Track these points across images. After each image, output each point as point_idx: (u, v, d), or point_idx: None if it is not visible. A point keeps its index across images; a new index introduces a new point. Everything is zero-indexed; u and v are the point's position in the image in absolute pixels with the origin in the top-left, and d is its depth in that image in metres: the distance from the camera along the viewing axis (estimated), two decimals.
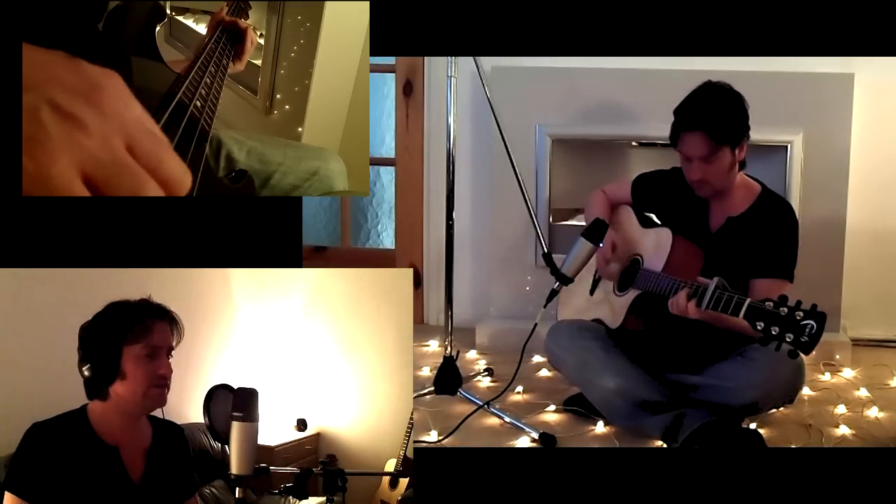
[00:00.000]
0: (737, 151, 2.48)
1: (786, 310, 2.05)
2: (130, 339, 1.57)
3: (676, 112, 2.51)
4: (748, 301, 2.11)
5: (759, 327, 2.07)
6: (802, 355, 2.17)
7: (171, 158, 0.80)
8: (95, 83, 0.76)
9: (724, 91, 2.48)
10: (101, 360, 1.57)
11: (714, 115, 2.44)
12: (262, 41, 2.56)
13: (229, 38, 2.09)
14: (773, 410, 2.68)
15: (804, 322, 2.03)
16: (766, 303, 2.08)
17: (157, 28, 2.04)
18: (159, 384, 1.60)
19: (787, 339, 2.03)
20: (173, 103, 1.51)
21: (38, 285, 2.13)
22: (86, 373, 1.58)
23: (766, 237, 2.52)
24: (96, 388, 1.59)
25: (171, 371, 1.62)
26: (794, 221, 2.58)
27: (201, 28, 2.42)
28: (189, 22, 2.51)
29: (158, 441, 1.68)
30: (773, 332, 2.05)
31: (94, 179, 0.72)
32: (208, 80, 1.72)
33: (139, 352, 1.57)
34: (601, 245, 2.52)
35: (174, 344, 1.63)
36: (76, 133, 0.71)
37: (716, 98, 2.47)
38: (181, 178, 0.80)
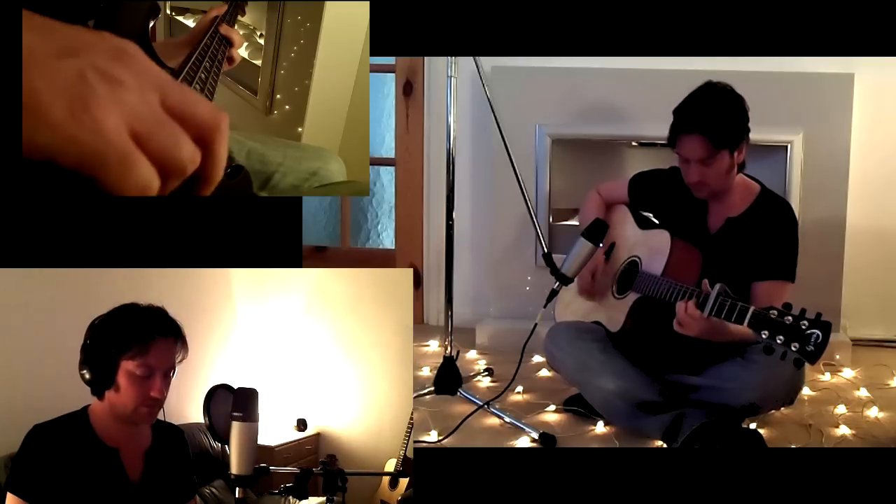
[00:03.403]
0: (735, 154, 2.47)
1: (791, 318, 2.03)
2: (128, 355, 1.55)
3: (675, 113, 2.50)
4: (752, 309, 2.10)
5: (763, 336, 2.06)
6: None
7: (201, 102, 0.86)
8: (123, 49, 0.83)
9: (724, 93, 2.47)
10: (98, 369, 1.57)
11: (713, 117, 2.43)
12: (262, 41, 2.56)
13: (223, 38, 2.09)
14: (773, 411, 2.68)
15: (809, 331, 2.01)
16: (771, 311, 2.06)
17: (151, 24, 2.04)
18: (148, 404, 1.58)
19: (793, 349, 2.02)
20: None
21: (37, 285, 2.13)
22: (85, 375, 1.59)
23: (766, 238, 2.52)
24: (94, 390, 1.59)
25: (163, 395, 1.58)
26: (794, 221, 2.58)
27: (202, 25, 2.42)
28: (189, 22, 2.51)
29: (158, 442, 1.68)
30: (779, 341, 2.03)
31: (139, 133, 0.78)
32: (203, 76, 1.72)
33: (133, 369, 1.55)
34: (601, 245, 2.52)
35: (177, 362, 1.61)
36: (119, 90, 0.78)
37: (715, 100, 2.46)
38: (215, 117, 0.86)
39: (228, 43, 2.00)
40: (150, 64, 0.85)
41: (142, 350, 1.55)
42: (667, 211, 2.71)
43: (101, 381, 1.57)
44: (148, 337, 1.56)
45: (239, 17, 2.39)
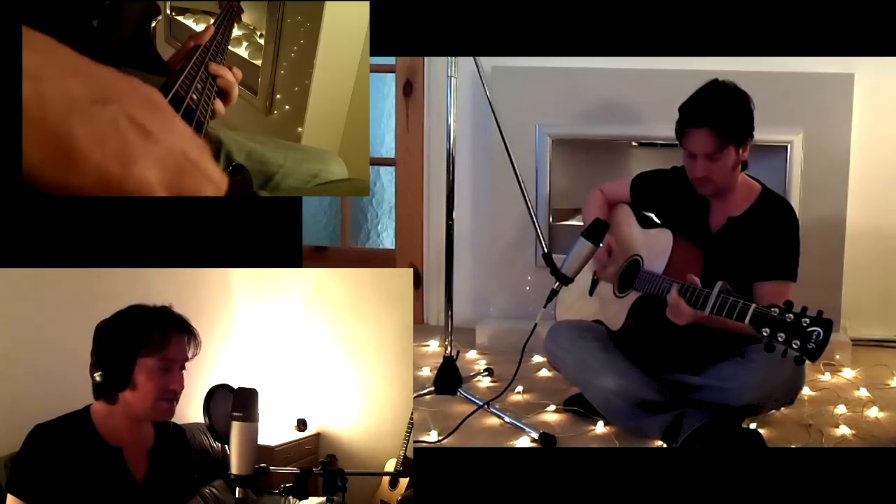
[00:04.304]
0: (741, 151, 2.49)
1: (792, 316, 2.04)
2: (146, 352, 1.57)
3: (683, 108, 2.50)
4: (753, 307, 2.11)
5: (765, 333, 2.06)
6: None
7: (212, 166, 0.96)
8: (152, 100, 0.92)
9: (731, 90, 2.48)
10: (114, 369, 1.56)
11: (722, 112, 2.44)
12: (262, 41, 2.56)
13: (224, 36, 2.08)
14: (773, 411, 2.68)
15: (810, 329, 2.01)
16: (772, 309, 2.07)
17: (153, 24, 2.04)
18: (168, 398, 1.60)
19: (794, 346, 2.02)
20: (169, 96, 1.51)
21: (39, 285, 2.13)
22: (97, 378, 1.57)
23: (768, 238, 2.52)
24: (105, 393, 1.58)
25: (182, 386, 1.61)
26: (795, 221, 2.58)
27: (201, 28, 2.42)
28: (189, 22, 2.52)
29: (161, 442, 1.68)
30: (780, 339, 2.04)
31: (163, 180, 0.87)
32: (203, 76, 1.72)
33: (153, 365, 1.57)
34: (601, 245, 2.52)
35: (190, 356, 1.63)
36: (147, 140, 0.86)
37: (724, 96, 2.47)
38: (219, 182, 0.97)
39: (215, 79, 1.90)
40: (174, 114, 0.95)
41: (161, 345, 1.58)
42: (668, 211, 2.71)
43: (115, 382, 1.56)
44: (165, 332, 1.59)
45: (238, 21, 2.39)
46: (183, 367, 1.62)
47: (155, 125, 0.86)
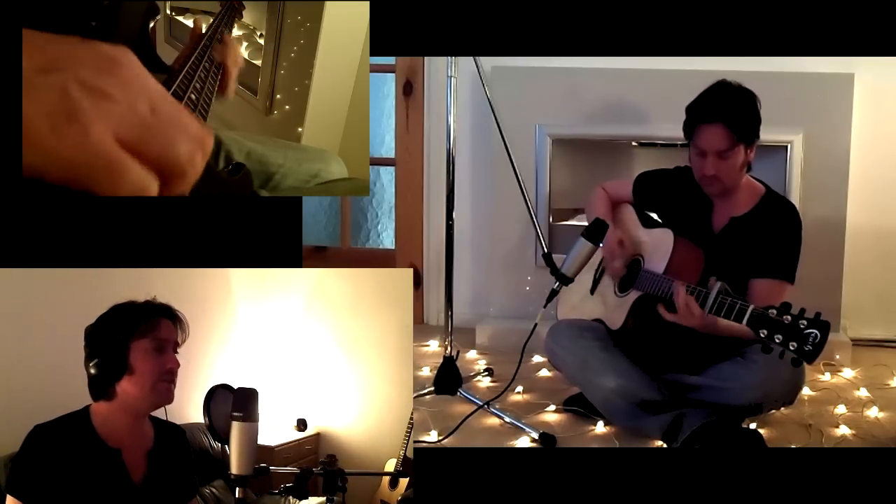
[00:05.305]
0: (748, 151, 2.49)
1: (789, 318, 2.04)
2: (138, 335, 1.59)
3: (693, 107, 2.50)
4: (751, 308, 2.11)
5: (762, 335, 2.07)
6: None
7: (191, 120, 0.88)
8: (113, 58, 0.84)
9: (740, 89, 2.49)
10: (109, 356, 1.57)
11: (735, 109, 2.45)
12: (262, 41, 2.56)
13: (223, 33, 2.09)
14: (773, 411, 2.68)
15: (808, 331, 2.02)
16: (770, 310, 2.07)
17: (151, 24, 2.04)
18: (167, 378, 1.61)
19: (791, 348, 2.03)
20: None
21: (38, 285, 2.13)
22: (92, 370, 1.58)
23: (769, 238, 2.52)
24: (102, 386, 1.59)
25: (178, 365, 1.63)
26: (798, 222, 2.58)
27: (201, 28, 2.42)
28: (189, 22, 2.51)
29: (160, 443, 1.68)
30: (777, 340, 2.04)
31: (127, 140, 0.80)
32: (202, 75, 1.72)
33: (146, 346, 1.59)
34: (601, 245, 2.51)
35: (180, 340, 1.65)
36: (104, 103, 0.79)
37: (735, 94, 2.48)
38: (204, 136, 0.89)
39: (220, 67, 1.93)
40: (142, 72, 0.86)
41: (150, 327, 1.60)
42: (671, 210, 2.70)
43: (111, 371, 1.57)
44: (152, 317, 1.61)
45: (238, 19, 2.39)
46: (176, 350, 1.64)
47: (114, 84, 0.80)
